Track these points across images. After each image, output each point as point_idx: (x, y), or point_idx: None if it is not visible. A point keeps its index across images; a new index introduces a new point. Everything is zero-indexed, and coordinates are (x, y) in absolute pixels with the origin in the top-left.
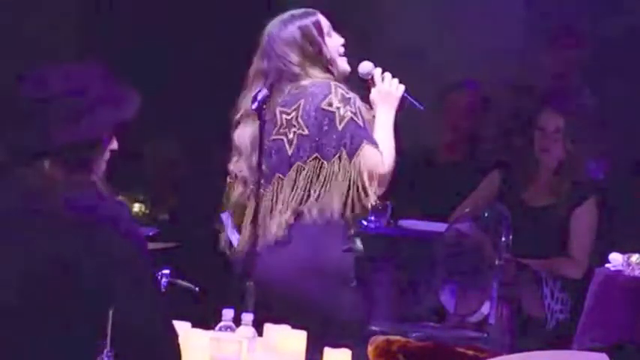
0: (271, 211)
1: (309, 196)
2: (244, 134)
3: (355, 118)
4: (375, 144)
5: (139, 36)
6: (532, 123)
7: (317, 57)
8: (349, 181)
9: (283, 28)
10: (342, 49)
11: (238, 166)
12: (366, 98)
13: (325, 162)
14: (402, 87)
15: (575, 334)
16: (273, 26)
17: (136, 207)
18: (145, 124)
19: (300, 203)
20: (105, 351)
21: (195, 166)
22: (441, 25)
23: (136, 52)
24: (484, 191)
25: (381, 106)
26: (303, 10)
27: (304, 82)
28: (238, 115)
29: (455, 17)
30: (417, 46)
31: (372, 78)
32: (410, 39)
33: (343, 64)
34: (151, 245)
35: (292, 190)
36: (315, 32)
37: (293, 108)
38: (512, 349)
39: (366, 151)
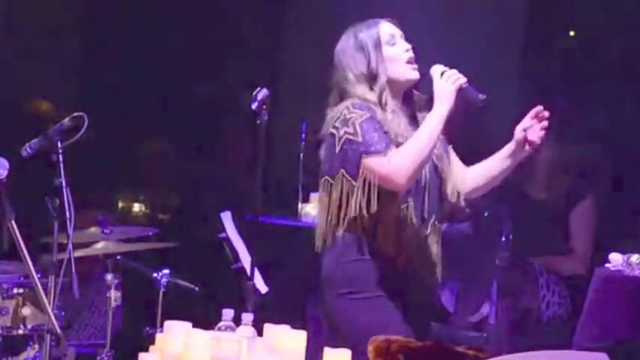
0: None
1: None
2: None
3: (352, 137)
4: (372, 151)
5: (141, 35)
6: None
7: (366, 72)
8: (354, 197)
9: (344, 41)
10: (406, 55)
11: None
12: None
13: (333, 183)
14: (461, 81)
15: (571, 326)
16: (341, 39)
17: (136, 207)
18: (146, 124)
19: (327, 218)
20: (105, 351)
21: (196, 166)
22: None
23: (138, 50)
24: None
25: (436, 103)
26: (367, 22)
27: (345, 102)
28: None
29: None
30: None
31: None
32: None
33: (406, 72)
34: (151, 245)
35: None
36: (370, 46)
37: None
38: (512, 349)
39: (366, 162)
